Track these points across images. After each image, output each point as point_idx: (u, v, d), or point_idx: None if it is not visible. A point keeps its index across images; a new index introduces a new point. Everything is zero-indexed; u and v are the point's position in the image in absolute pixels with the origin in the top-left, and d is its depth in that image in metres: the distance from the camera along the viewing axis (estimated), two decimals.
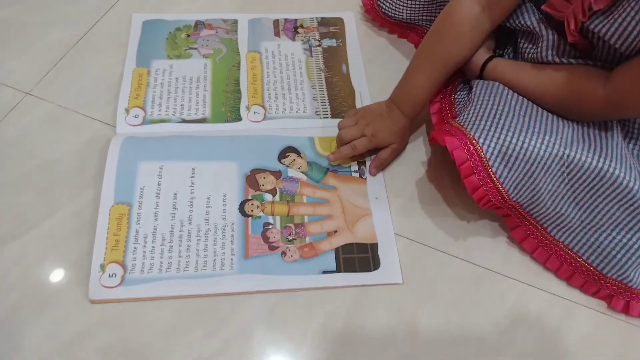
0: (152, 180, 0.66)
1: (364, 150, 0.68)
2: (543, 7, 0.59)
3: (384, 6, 0.80)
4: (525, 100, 0.60)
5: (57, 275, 0.59)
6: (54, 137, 0.70)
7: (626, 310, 0.60)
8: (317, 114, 0.75)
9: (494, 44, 0.69)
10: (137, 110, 0.73)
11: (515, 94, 0.60)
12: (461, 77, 0.70)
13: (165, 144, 0.69)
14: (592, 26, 0.55)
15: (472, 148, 0.57)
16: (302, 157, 0.70)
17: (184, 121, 0.72)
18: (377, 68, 0.80)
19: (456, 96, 0.68)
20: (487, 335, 0.58)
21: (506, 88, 0.61)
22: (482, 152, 0.57)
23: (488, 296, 0.61)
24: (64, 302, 0.58)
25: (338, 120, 0.74)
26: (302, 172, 0.69)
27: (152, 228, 0.62)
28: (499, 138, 0.57)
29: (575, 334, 0.59)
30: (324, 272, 0.61)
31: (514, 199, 0.59)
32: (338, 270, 0.61)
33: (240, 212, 0.65)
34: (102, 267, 0.59)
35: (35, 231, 0.62)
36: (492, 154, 0.57)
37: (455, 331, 0.58)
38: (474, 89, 0.63)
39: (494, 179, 0.57)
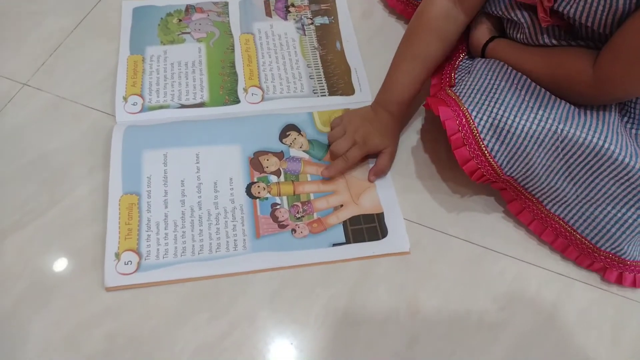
0: (158, 168, 0.67)
1: (358, 159, 0.67)
2: None
3: None
4: (524, 77, 0.61)
5: (62, 265, 0.61)
6: (54, 128, 0.71)
7: (620, 281, 0.62)
8: (315, 92, 0.76)
9: (497, 23, 0.69)
10: (135, 97, 0.73)
11: (515, 71, 0.61)
12: (464, 51, 0.71)
13: (167, 130, 0.70)
14: (560, 9, 0.55)
15: (464, 120, 0.59)
16: (302, 135, 0.71)
17: (183, 106, 0.73)
18: (373, 47, 0.80)
19: (458, 64, 0.68)
20: (486, 312, 0.60)
21: (506, 65, 0.62)
22: (474, 124, 0.58)
23: (487, 274, 0.63)
24: (70, 291, 0.59)
25: (336, 97, 0.75)
26: (304, 151, 0.70)
27: (163, 215, 0.64)
28: (491, 112, 0.58)
29: (572, 309, 0.61)
30: (334, 244, 0.63)
31: (508, 174, 0.60)
32: (347, 242, 0.64)
33: (247, 194, 0.66)
34: (117, 256, 0.60)
35: (39, 222, 0.63)
36: (484, 127, 0.58)
37: (455, 309, 0.60)
38: (475, 62, 0.64)
39: (486, 152, 0.59)
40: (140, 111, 0.72)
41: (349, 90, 0.76)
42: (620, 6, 0.51)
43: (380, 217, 0.66)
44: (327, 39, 0.81)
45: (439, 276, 0.63)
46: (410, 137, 0.73)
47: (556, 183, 0.59)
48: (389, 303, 0.60)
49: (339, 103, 0.75)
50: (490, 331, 0.60)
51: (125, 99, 0.72)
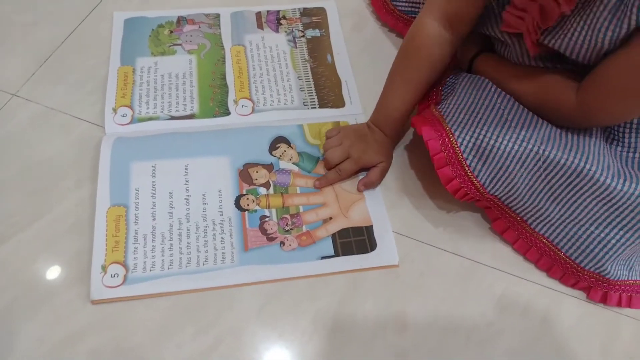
0: (146, 180, 0.66)
1: (351, 174, 0.68)
2: (501, 27, 0.59)
3: (397, 1, 0.81)
4: (507, 96, 0.61)
5: (47, 277, 0.60)
6: (42, 139, 0.70)
7: (604, 301, 0.62)
8: (305, 105, 0.76)
9: (486, 35, 0.68)
10: (125, 109, 0.73)
11: (499, 90, 0.61)
12: (452, 67, 0.71)
13: (156, 142, 0.70)
14: (545, 42, 0.56)
15: (447, 140, 0.60)
16: (292, 148, 0.71)
17: (173, 118, 0.73)
18: (364, 60, 0.81)
19: (446, 80, 0.69)
20: (475, 326, 0.60)
21: (490, 83, 0.62)
22: (457, 144, 0.59)
23: (476, 288, 0.63)
24: (54, 304, 0.58)
25: (326, 110, 0.76)
26: (293, 164, 0.70)
27: (150, 228, 0.63)
28: (474, 132, 0.59)
29: (561, 323, 0.61)
30: (323, 257, 0.63)
31: (491, 193, 0.61)
32: (336, 255, 0.63)
33: (236, 207, 0.66)
34: (104, 268, 0.60)
35: (25, 234, 0.62)
36: (466, 146, 0.59)
37: (444, 323, 0.60)
38: (460, 80, 0.65)
39: (469, 172, 0.59)
40: (129, 123, 0.72)
41: (339, 103, 0.76)
42: (605, 45, 0.51)
43: (369, 230, 0.66)
44: (318, 52, 0.81)
45: (428, 290, 0.62)
46: (400, 153, 0.73)
47: (539, 203, 0.60)
48: (377, 318, 0.60)
49: (329, 115, 0.75)
50: (479, 347, 0.59)
51: (114, 110, 0.72)
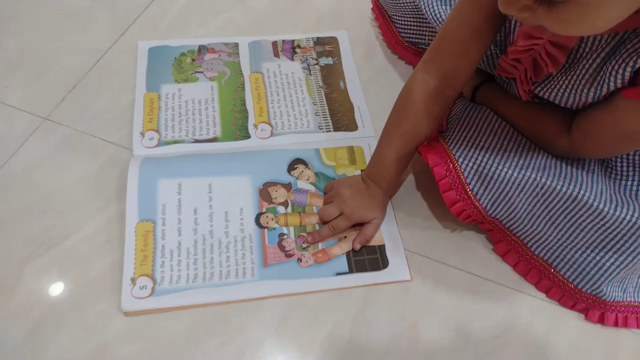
0: (172, 197, 0.70)
1: (343, 229, 0.68)
2: (495, 71, 0.63)
3: (405, 33, 0.85)
4: (507, 126, 0.64)
5: (79, 291, 0.63)
6: (72, 160, 0.74)
7: (602, 321, 0.64)
8: (320, 128, 0.80)
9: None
10: (152, 133, 0.77)
11: (499, 120, 0.65)
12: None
13: (182, 161, 0.74)
14: (536, 91, 0.60)
15: (451, 166, 0.63)
16: (309, 169, 0.75)
17: (197, 141, 0.77)
18: (374, 86, 0.85)
19: (452, 108, 0.73)
20: (483, 340, 0.63)
21: (491, 113, 0.66)
22: (460, 170, 0.63)
23: (484, 303, 0.66)
24: (85, 317, 0.61)
25: (340, 133, 0.80)
26: (310, 183, 0.74)
27: (176, 243, 0.67)
28: (476, 159, 0.62)
29: (564, 338, 0.64)
30: (338, 273, 0.67)
31: (492, 215, 0.64)
32: (350, 271, 0.67)
33: (256, 224, 0.70)
34: (133, 280, 0.63)
35: (55, 250, 0.66)
36: (469, 172, 0.62)
37: (453, 338, 0.63)
38: (463, 109, 0.69)
39: (471, 195, 0.63)
40: (156, 145, 0.76)
41: (352, 126, 0.81)
42: (589, 100, 0.56)
43: (382, 249, 0.69)
44: (332, 79, 0.86)
45: (439, 304, 0.66)
46: (409, 177, 0.76)
47: (538, 226, 0.63)
48: (391, 332, 0.63)
49: (343, 138, 0.79)
50: (488, 358, 0.62)
51: (142, 134, 0.77)
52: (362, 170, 0.73)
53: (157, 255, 0.66)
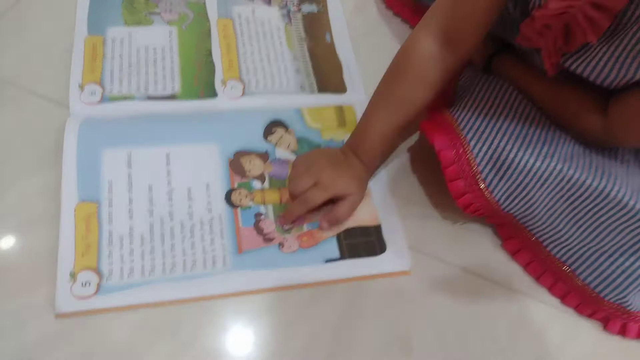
0: (120, 172, 0.57)
1: (319, 202, 0.56)
2: (517, 39, 0.53)
3: None
4: (529, 105, 0.55)
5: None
6: None
7: (623, 332, 0.56)
8: (302, 89, 0.68)
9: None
10: (94, 86, 0.62)
11: (520, 96, 0.55)
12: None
13: (132, 126, 0.60)
14: (567, 64, 0.50)
15: (461, 150, 0.54)
16: (290, 133, 0.63)
17: (150, 98, 0.63)
18: (366, 44, 0.73)
19: (461, 78, 0.62)
20: (486, 353, 0.54)
21: (511, 88, 0.56)
22: (471, 156, 0.53)
23: (488, 309, 0.57)
24: (6, 318, 0.49)
25: (326, 95, 0.68)
26: (291, 152, 0.62)
27: (127, 228, 0.54)
28: (492, 143, 0.53)
29: (578, 350, 0.56)
30: (327, 260, 0.56)
31: (506, 210, 0.55)
32: (342, 257, 0.57)
33: (227, 203, 0.58)
34: (73, 276, 0.50)
35: None
36: (482, 158, 0.53)
37: (452, 347, 0.54)
38: (476, 81, 0.58)
39: (482, 187, 0.54)
40: (99, 102, 0.62)
41: (340, 88, 0.69)
42: (637, 76, 0.46)
43: (377, 230, 0.59)
44: (316, 30, 0.73)
45: (435, 309, 0.56)
46: (401, 155, 0.66)
47: (558, 225, 0.54)
48: (381, 338, 0.53)
49: (330, 102, 0.67)
50: None
51: (81, 87, 0.62)
52: None
53: (103, 243, 0.53)
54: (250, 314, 0.53)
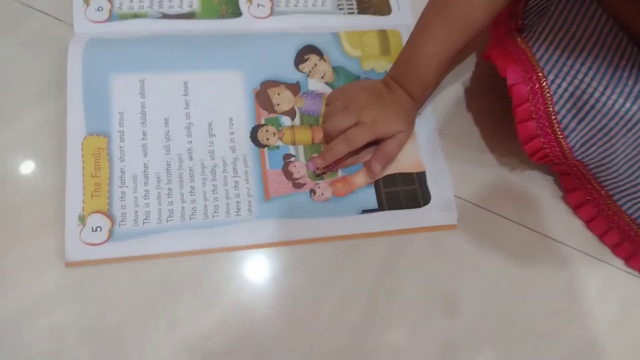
0: (133, 101, 0.50)
1: (363, 143, 0.49)
2: None
3: None
4: (621, 32, 0.45)
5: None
6: None
7: None
8: (340, 9, 0.58)
9: None
10: (101, 0, 0.54)
11: (610, 21, 0.45)
12: None
13: (145, 47, 0.52)
14: None
15: (537, 85, 0.45)
16: (325, 61, 0.55)
17: (165, 16, 0.55)
18: None
19: None
20: (538, 316, 0.49)
21: (599, 9, 0.45)
22: (548, 93, 0.45)
23: (542, 268, 0.51)
24: (9, 267, 0.44)
25: (367, 17, 0.59)
26: (326, 83, 0.54)
27: (141, 166, 0.48)
28: (574, 78, 0.44)
29: None
30: (364, 211, 0.50)
31: (579, 158, 0.47)
32: (380, 208, 0.50)
33: (252, 141, 0.51)
34: (82, 219, 0.45)
35: None
36: (561, 96, 0.45)
37: (500, 310, 0.49)
38: None
39: (557, 130, 0.46)
40: (107, 19, 0.53)
41: (383, 9, 0.59)
42: None
43: (421, 177, 0.52)
44: None
45: (485, 267, 0.50)
46: (455, 88, 0.57)
47: (637, 177, 0.46)
48: (423, 298, 0.48)
49: (372, 24, 0.58)
50: (543, 340, 0.49)
51: (86, 1, 0.54)
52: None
53: (115, 182, 0.47)
54: (277, 268, 0.47)
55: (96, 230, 0.45)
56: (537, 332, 0.49)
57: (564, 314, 0.50)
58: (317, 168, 0.50)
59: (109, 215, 0.46)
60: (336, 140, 0.50)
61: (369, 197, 0.51)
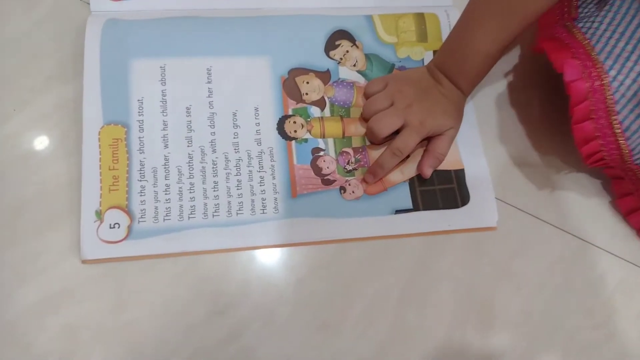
0: (153, 88, 0.47)
1: (413, 149, 0.46)
2: None
3: None
4: None
5: (9, 222, 0.42)
6: None
7: None
8: None
9: None
10: None
11: None
12: None
13: (166, 29, 0.49)
14: None
15: (597, 82, 0.41)
16: (358, 47, 0.51)
17: None
18: None
19: None
20: (578, 328, 0.46)
21: None
22: (609, 90, 0.41)
23: (584, 277, 0.48)
24: (18, 258, 0.42)
25: None
26: (358, 72, 0.51)
27: (162, 158, 0.45)
28: (638, 75, 0.40)
29: None
30: (397, 211, 0.47)
31: (638, 162, 0.43)
32: (415, 208, 0.47)
33: (279, 133, 0.48)
34: (99, 215, 0.43)
35: None
36: (623, 95, 0.41)
37: (539, 320, 0.46)
38: None
39: (618, 131, 0.42)
40: None
41: None
42: None
43: (459, 175, 0.49)
44: None
45: (523, 274, 0.47)
46: (496, 83, 0.52)
47: None
48: (457, 306, 0.45)
49: (410, 5, 0.54)
50: (582, 355, 0.45)
51: None
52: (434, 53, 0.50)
53: (134, 176, 0.44)
54: (303, 269, 0.45)
55: (114, 227, 0.43)
56: (578, 346, 0.46)
57: (608, 327, 0.47)
58: (365, 181, 0.47)
59: (128, 211, 0.43)
60: (385, 155, 0.46)
61: (404, 196, 0.47)
